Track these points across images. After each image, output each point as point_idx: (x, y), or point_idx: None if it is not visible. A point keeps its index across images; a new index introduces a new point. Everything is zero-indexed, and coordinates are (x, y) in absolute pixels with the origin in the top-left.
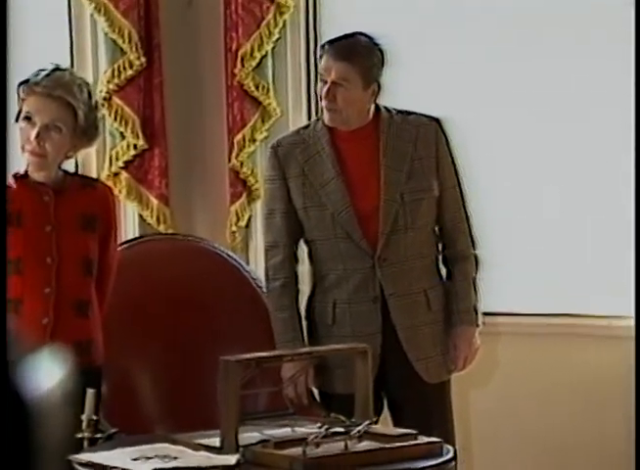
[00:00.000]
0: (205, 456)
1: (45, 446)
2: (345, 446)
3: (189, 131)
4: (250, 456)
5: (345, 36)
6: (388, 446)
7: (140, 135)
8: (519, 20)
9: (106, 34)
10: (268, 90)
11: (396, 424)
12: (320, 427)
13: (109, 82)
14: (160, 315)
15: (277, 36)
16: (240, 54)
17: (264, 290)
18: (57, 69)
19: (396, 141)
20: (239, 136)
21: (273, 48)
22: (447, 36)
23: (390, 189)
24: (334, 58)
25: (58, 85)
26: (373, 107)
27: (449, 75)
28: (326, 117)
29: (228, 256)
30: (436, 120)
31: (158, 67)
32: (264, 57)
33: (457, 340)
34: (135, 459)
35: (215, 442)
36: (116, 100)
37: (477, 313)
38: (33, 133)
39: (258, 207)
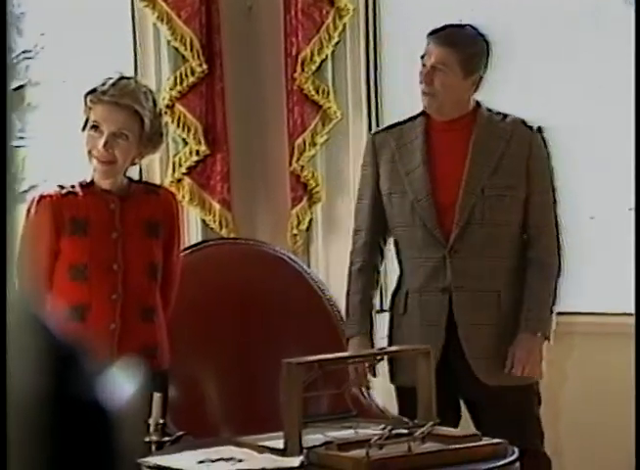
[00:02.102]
0: (270, 459)
1: (117, 452)
2: (409, 447)
3: (250, 136)
4: (313, 458)
5: (452, 25)
6: (451, 447)
7: (202, 141)
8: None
9: (168, 42)
10: (328, 94)
11: (476, 425)
12: (383, 428)
13: (171, 90)
14: (224, 319)
15: (337, 40)
16: (300, 58)
17: (326, 292)
18: (122, 77)
19: (489, 137)
20: (299, 140)
21: (333, 52)
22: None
23: (472, 182)
24: (435, 43)
25: (124, 94)
26: (473, 101)
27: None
28: (423, 101)
29: (290, 259)
30: (537, 128)
31: (219, 73)
32: (324, 61)
33: (516, 346)
34: (201, 462)
35: (279, 444)
36: (179, 107)
37: (545, 324)
38: (102, 141)
39: (319, 210)
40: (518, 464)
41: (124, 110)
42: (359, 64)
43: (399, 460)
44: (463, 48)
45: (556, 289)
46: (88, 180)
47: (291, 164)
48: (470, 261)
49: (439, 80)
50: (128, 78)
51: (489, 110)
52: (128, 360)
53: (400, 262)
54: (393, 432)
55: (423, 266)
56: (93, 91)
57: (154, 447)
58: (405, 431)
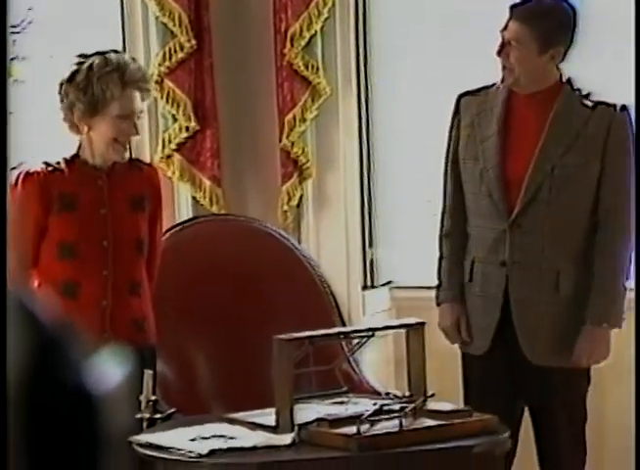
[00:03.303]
0: (261, 435)
1: (110, 431)
2: (400, 423)
3: (240, 112)
4: (305, 435)
5: None
6: (442, 423)
7: (192, 117)
8: None
9: (156, 18)
10: (318, 69)
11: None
12: (374, 404)
13: (160, 65)
14: (215, 296)
15: (326, 15)
16: (289, 34)
17: (316, 268)
18: (132, 58)
19: (567, 115)
20: (289, 116)
21: (322, 27)
22: None
23: (543, 159)
24: (513, 17)
25: (147, 79)
26: (556, 75)
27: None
28: (501, 73)
29: (280, 235)
30: (622, 107)
31: (208, 49)
32: (313, 36)
33: (581, 338)
34: (192, 439)
35: (271, 421)
36: (168, 82)
37: (611, 313)
38: (133, 129)
39: (310, 186)
40: (509, 441)
41: (144, 93)
42: (348, 39)
43: (390, 436)
44: (539, 23)
45: (626, 275)
46: (71, 155)
47: (281, 141)
48: (530, 238)
49: (514, 56)
50: (133, 59)
51: (575, 88)
52: (117, 343)
53: (469, 229)
54: (385, 408)
55: (486, 237)
56: (122, 76)
57: (145, 425)
58: (396, 407)
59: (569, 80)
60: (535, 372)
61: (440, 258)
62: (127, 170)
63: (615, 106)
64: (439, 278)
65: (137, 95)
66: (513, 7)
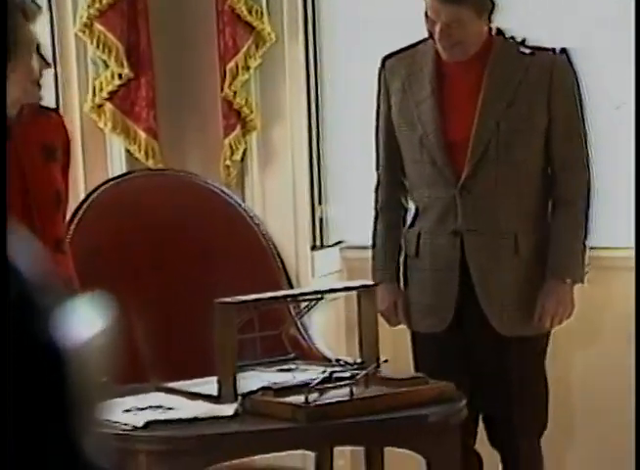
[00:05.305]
0: (202, 406)
1: (81, 386)
2: (351, 391)
3: (177, 59)
4: (249, 405)
5: None
6: (395, 390)
7: (125, 63)
8: None
9: None
10: (262, 14)
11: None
12: (323, 372)
13: (89, 7)
14: (152, 256)
15: None
16: None
17: (261, 227)
18: None
19: (506, 65)
20: (231, 64)
21: None
22: None
23: (486, 116)
24: (439, 1)
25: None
26: (486, 29)
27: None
28: (444, 54)
29: (222, 192)
30: (561, 50)
31: None
32: None
33: (544, 296)
34: (127, 411)
35: (212, 390)
36: (98, 26)
37: (574, 268)
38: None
39: (254, 139)
40: (465, 409)
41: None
42: None
43: (340, 406)
44: None
45: (585, 229)
46: None
47: (222, 90)
48: (483, 202)
49: (457, 33)
50: None
51: (507, 36)
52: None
53: (411, 201)
54: (334, 375)
55: (433, 206)
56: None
57: None
58: (347, 374)
59: (499, 31)
60: (499, 342)
61: (374, 236)
62: (34, 119)
63: (554, 50)
64: (373, 256)
65: (32, 29)
66: None
